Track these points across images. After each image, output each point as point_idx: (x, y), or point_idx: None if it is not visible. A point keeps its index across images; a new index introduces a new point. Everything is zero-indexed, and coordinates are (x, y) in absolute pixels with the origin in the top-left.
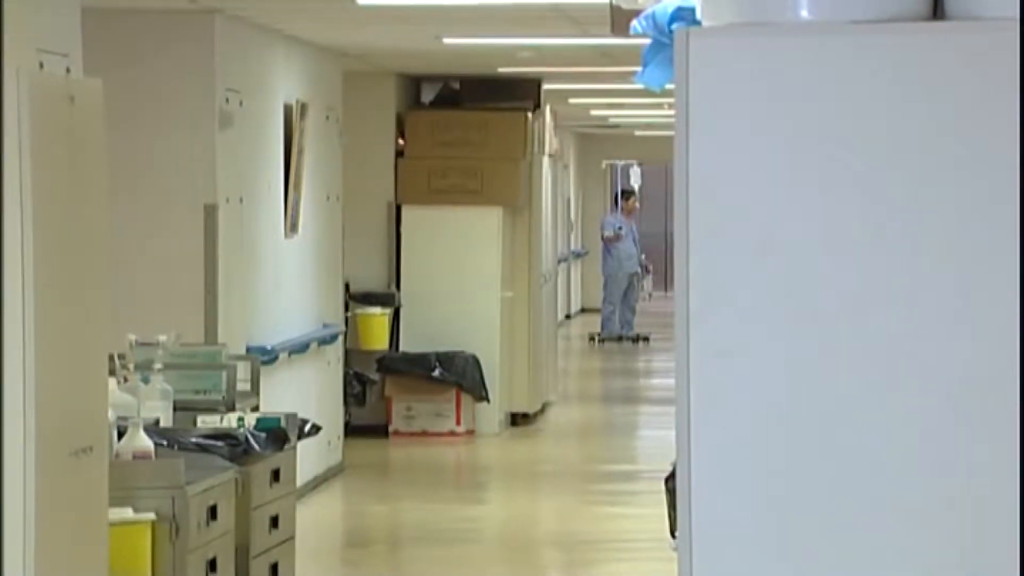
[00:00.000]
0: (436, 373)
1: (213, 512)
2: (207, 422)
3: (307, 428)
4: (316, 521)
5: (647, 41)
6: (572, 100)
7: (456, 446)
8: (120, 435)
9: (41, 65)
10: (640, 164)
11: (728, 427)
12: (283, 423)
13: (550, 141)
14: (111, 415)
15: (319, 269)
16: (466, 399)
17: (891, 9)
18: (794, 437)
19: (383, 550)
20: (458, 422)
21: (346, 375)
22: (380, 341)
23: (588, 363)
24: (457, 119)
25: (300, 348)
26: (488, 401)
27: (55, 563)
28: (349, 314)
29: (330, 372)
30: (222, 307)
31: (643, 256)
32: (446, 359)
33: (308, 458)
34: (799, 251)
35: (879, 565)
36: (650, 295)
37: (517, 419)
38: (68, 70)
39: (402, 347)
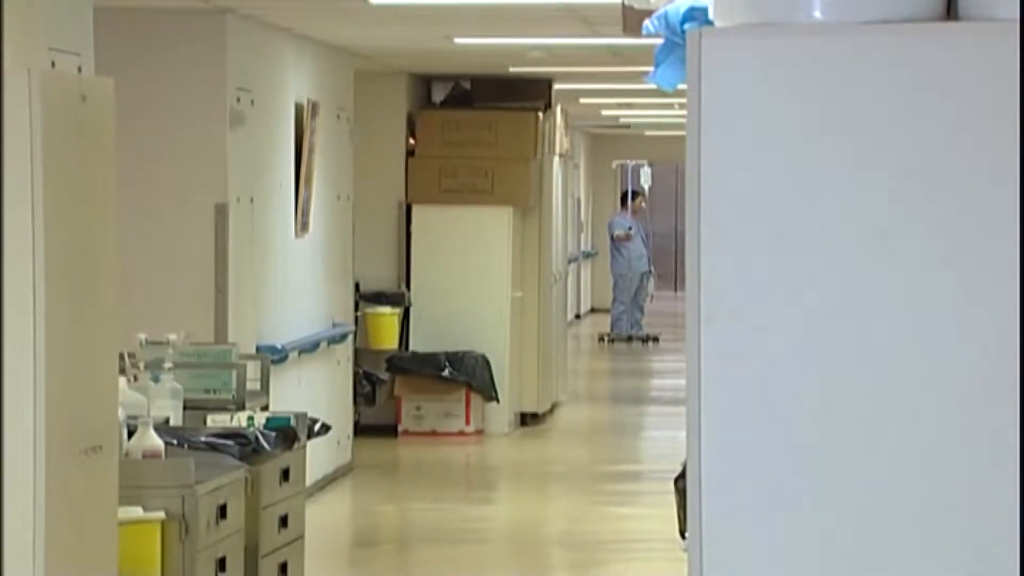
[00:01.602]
0: (446, 373)
1: (222, 511)
2: (217, 421)
3: (317, 427)
4: (325, 521)
5: (659, 41)
6: (583, 100)
7: (465, 446)
8: (130, 434)
9: (53, 64)
10: (650, 164)
11: (738, 428)
12: (293, 422)
13: (561, 141)
14: (121, 414)
15: (329, 268)
16: (476, 399)
17: (903, 10)
18: (804, 438)
19: (392, 550)
20: (467, 422)
21: (356, 374)
22: (390, 340)
23: (598, 363)
24: (468, 119)
25: (310, 347)
26: (498, 401)
27: (64, 562)
28: (359, 313)
29: (340, 371)
30: (232, 306)
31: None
32: (456, 359)
33: (317, 457)
34: (810, 252)
35: (889, 566)
36: (652, 297)
37: (526, 419)
38: (80, 69)
39: (412, 346)
